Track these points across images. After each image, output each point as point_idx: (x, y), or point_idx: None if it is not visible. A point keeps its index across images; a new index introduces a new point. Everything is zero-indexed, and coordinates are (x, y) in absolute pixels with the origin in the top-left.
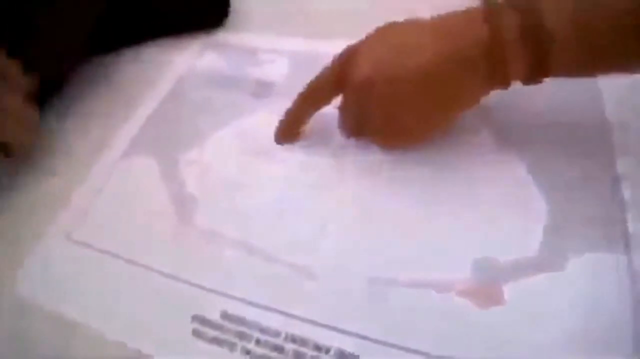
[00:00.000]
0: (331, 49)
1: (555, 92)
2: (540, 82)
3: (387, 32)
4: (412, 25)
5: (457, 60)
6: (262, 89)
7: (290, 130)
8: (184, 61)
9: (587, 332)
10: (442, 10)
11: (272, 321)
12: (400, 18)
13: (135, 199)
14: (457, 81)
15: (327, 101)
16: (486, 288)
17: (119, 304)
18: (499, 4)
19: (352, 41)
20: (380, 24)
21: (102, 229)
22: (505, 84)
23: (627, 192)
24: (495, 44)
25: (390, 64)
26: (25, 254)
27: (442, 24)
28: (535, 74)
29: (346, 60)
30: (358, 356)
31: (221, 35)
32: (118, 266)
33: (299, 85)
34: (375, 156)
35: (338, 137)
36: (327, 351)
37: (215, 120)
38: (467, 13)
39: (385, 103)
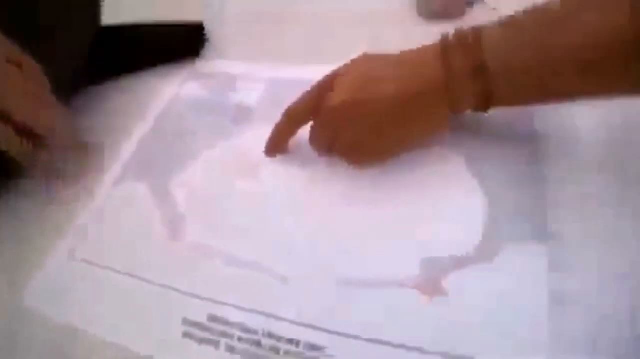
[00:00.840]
0: (303, 75)
1: None
2: (487, 111)
3: (360, 64)
4: (381, 59)
5: (417, 94)
6: (242, 114)
7: (277, 145)
8: (169, 90)
9: (509, 318)
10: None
11: (252, 321)
12: (365, 45)
13: (131, 221)
14: (417, 111)
15: (307, 120)
16: (430, 281)
17: (118, 311)
18: (451, 43)
19: (322, 67)
20: (347, 50)
21: (102, 248)
22: (458, 112)
23: (549, 192)
24: (449, 82)
25: (361, 93)
26: (33, 271)
27: (406, 59)
28: (481, 106)
29: (325, 86)
30: (325, 347)
31: (203, 65)
32: (117, 278)
33: (275, 109)
34: (338, 172)
35: (309, 157)
36: (298, 344)
37: (200, 145)
38: (426, 51)
39: (355, 127)
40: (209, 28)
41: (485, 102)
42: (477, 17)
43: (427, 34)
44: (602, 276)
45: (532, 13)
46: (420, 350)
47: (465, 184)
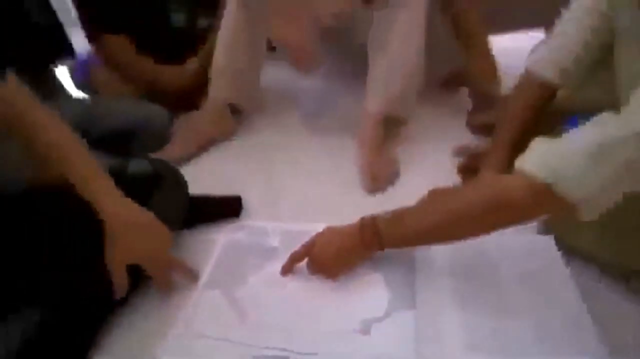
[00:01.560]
0: (303, 228)
1: None
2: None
3: (324, 234)
4: (333, 231)
5: (349, 250)
6: (270, 253)
7: (287, 271)
8: (223, 238)
9: (396, 343)
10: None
11: (282, 353)
12: (334, 209)
13: (213, 311)
14: (351, 258)
15: (302, 260)
16: (364, 328)
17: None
18: (365, 223)
19: (313, 224)
20: (326, 214)
21: (201, 326)
22: (373, 253)
23: (417, 284)
24: (363, 243)
25: (322, 251)
26: (156, 345)
27: (343, 231)
28: (381, 250)
29: (310, 244)
30: None
31: (241, 222)
32: (213, 342)
33: (290, 250)
34: (323, 282)
35: (308, 275)
36: None
37: (249, 271)
38: (354, 227)
39: (324, 266)
40: (243, 199)
41: (382, 249)
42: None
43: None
44: (447, 323)
45: (404, 210)
46: None
47: (378, 283)
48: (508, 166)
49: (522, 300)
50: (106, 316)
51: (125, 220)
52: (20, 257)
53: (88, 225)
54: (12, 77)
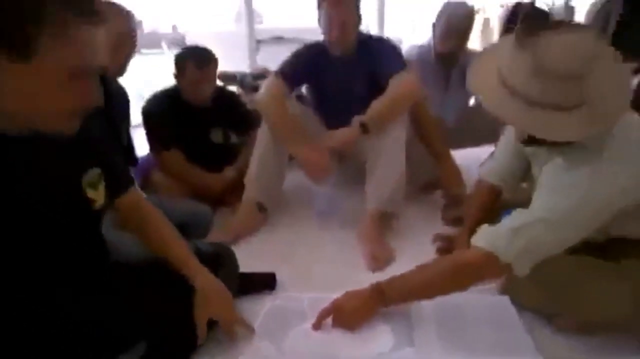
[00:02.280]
0: (328, 295)
1: None
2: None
3: (342, 298)
4: (350, 295)
5: (362, 307)
6: (302, 314)
7: (317, 327)
8: (266, 305)
9: None
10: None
11: None
12: (363, 281)
13: (265, 357)
14: (364, 313)
15: (327, 318)
16: None
17: None
18: (373, 288)
19: (337, 293)
20: (343, 283)
21: None
22: (380, 309)
23: (415, 332)
24: (373, 301)
25: (343, 310)
26: None
27: (357, 295)
28: (386, 306)
29: (332, 306)
30: None
31: (277, 293)
32: None
33: (316, 311)
34: (345, 331)
35: (332, 328)
36: None
37: (291, 326)
38: (365, 291)
39: (344, 321)
40: (277, 277)
41: (387, 306)
42: (392, 271)
43: (369, 279)
44: (435, 355)
45: (399, 277)
46: None
47: (385, 330)
48: (468, 247)
49: (487, 341)
50: (190, 355)
51: (209, 288)
52: (136, 309)
53: (179, 289)
54: (133, 186)
